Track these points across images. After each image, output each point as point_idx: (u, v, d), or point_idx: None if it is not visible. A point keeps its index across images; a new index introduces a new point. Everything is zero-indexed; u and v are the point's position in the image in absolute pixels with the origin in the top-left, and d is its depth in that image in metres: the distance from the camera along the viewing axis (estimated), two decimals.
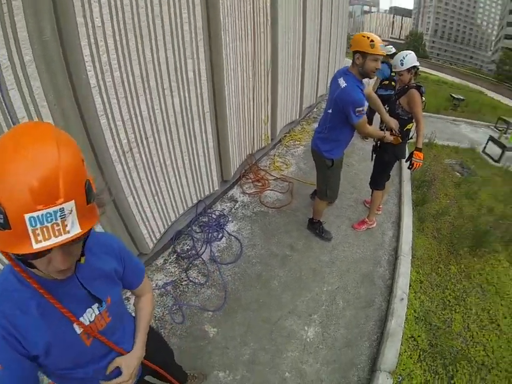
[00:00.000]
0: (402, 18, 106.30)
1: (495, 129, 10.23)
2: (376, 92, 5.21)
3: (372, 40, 2.31)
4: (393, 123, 2.92)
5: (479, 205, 4.85)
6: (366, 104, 2.56)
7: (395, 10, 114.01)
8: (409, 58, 2.92)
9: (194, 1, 2.55)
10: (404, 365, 2.35)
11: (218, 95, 3.16)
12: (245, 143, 4.17)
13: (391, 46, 5.72)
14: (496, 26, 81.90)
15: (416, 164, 2.92)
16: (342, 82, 2.50)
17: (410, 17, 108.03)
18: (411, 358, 2.42)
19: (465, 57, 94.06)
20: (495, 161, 7.13)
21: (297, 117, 6.31)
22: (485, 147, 7.63)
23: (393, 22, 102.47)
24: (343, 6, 9.34)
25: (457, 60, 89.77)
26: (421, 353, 2.48)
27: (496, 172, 6.50)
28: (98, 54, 1.84)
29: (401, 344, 2.45)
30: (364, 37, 2.37)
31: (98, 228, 2.07)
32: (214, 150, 3.30)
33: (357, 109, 2.44)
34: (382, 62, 5.47)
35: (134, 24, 2.04)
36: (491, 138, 7.58)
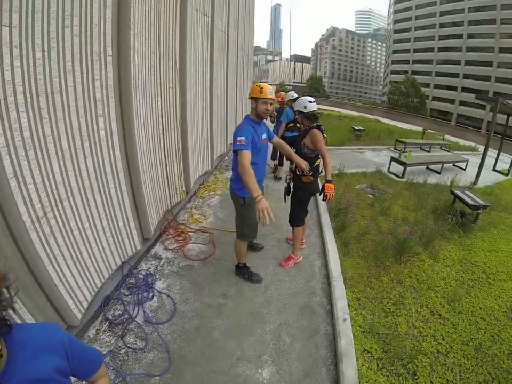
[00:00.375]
0: (302, 64, 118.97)
1: (395, 150, 11.65)
2: (283, 135, 5.66)
3: (261, 88, 2.73)
4: (304, 164, 3.13)
5: (394, 218, 5.38)
6: (260, 144, 2.83)
7: (296, 58, 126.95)
8: (297, 103, 3.38)
9: (107, 59, 2.59)
10: (366, 377, 2.40)
11: (131, 153, 3.14)
12: (161, 199, 4.17)
13: (293, 92, 6.32)
14: (383, 64, 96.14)
15: (329, 195, 3.07)
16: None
17: (310, 63, 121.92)
18: (370, 369, 2.49)
19: (361, 92, 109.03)
20: (400, 177, 8.07)
21: (210, 168, 6.51)
22: (389, 167, 8.60)
23: (294, 68, 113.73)
24: (248, 58, 10.21)
25: (354, 96, 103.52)
26: (378, 362, 2.57)
27: (402, 186, 7.35)
28: (7, 111, 1.73)
29: (357, 359, 2.51)
30: (256, 85, 2.78)
31: (18, 306, 1.83)
32: (131, 209, 3.22)
33: (238, 138, 2.61)
34: (286, 107, 6.04)
35: (45, 79, 1.98)
36: (392, 159, 8.60)
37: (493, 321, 3.29)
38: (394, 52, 64.97)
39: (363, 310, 3.13)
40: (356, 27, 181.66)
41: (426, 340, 2.89)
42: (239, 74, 9.11)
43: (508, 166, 11.81)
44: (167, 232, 4.18)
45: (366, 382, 2.37)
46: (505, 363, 2.80)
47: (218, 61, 6.42)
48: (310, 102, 3.28)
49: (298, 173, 3.32)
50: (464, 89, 47.65)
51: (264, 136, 2.95)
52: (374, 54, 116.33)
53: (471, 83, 46.59)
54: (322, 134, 3.20)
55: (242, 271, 3.44)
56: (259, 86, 2.74)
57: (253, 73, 11.92)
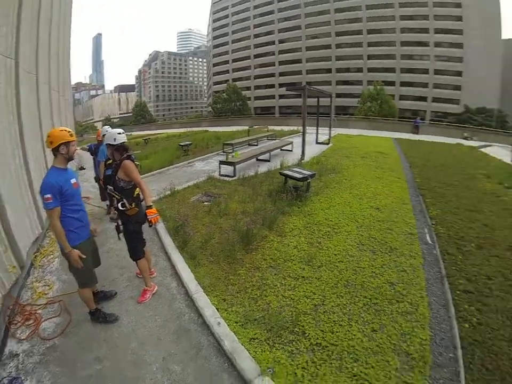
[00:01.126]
0: (127, 94, 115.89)
1: (224, 154, 12.30)
2: (105, 173, 5.46)
3: (69, 131, 2.81)
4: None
5: (234, 215, 5.70)
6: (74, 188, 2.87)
7: (120, 88, 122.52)
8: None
9: None
10: (264, 360, 2.62)
11: None
12: None
13: (107, 126, 5.94)
14: (205, 78, 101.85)
15: (153, 219, 3.06)
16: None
17: (134, 91, 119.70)
18: (264, 351, 2.73)
19: (187, 109, 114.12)
20: (232, 176, 8.62)
21: (41, 230, 5.63)
22: (219, 171, 9.05)
23: (119, 99, 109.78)
24: (64, 99, 9.38)
25: (182, 114, 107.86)
26: (268, 341, 2.85)
27: (236, 184, 7.94)
28: None
29: (248, 350, 2.72)
30: (62, 131, 2.79)
31: None
32: None
33: (44, 196, 2.63)
34: (102, 144, 5.77)
35: None
36: (221, 162, 9.16)
37: (350, 259, 4.03)
38: (215, 64, 72.17)
39: (233, 307, 3.33)
40: (178, 48, 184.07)
41: (300, 302, 3.32)
42: (55, 119, 8.42)
43: (327, 137, 15.09)
44: (14, 322, 3.48)
45: (267, 363, 2.59)
46: (372, 282, 3.52)
47: (29, 107, 5.71)
48: (119, 133, 3.33)
49: (122, 208, 3.28)
50: (281, 85, 56.47)
51: (73, 180, 2.93)
52: (196, 70, 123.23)
53: (288, 79, 57.02)
54: (134, 162, 3.26)
55: (96, 316, 3.31)
56: (66, 130, 2.80)
57: (73, 113, 11.03)
